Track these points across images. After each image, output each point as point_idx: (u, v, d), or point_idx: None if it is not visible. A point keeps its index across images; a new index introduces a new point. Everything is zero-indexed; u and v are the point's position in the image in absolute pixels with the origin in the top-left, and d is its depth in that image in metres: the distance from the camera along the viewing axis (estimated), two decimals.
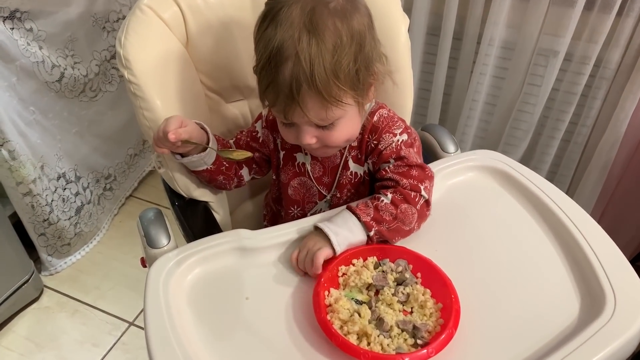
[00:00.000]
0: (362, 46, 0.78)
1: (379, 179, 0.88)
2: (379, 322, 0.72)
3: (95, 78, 1.75)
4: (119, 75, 1.77)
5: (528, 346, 0.70)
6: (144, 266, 0.90)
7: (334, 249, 0.79)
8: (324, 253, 0.78)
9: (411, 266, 0.80)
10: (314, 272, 0.78)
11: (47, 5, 1.51)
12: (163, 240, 0.87)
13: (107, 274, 1.81)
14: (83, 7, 1.64)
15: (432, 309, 0.74)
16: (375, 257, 0.82)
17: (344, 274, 0.80)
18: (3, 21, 1.37)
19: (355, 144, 0.91)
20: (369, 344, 0.70)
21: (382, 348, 0.69)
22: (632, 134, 1.49)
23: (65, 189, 1.73)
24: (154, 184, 2.15)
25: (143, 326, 0.73)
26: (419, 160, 0.88)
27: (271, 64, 0.76)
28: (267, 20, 0.76)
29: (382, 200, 0.83)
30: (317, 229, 0.82)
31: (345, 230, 0.81)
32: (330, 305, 0.75)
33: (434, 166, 0.96)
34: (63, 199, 1.72)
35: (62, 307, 1.71)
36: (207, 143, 0.90)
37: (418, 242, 0.85)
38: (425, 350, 0.68)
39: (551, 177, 1.75)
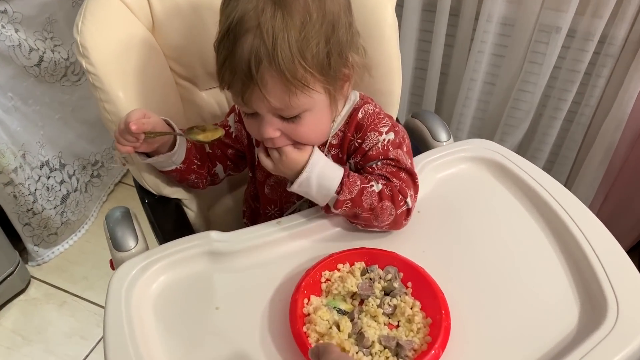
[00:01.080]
0: (335, 28, 0.70)
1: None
2: (359, 336, 0.66)
3: (78, 61, 1.68)
4: None
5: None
6: (113, 269, 0.85)
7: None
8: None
9: (402, 274, 0.74)
10: None
11: None
12: (130, 243, 0.81)
13: (96, 263, 1.76)
14: None
15: (420, 323, 0.68)
16: (363, 263, 0.76)
17: (327, 279, 0.74)
18: None
19: (335, 141, 0.84)
20: None
21: None
22: (638, 114, 1.42)
23: (49, 177, 1.68)
24: None
25: None
26: (409, 163, 0.81)
27: (230, 37, 0.68)
28: None
29: (372, 186, 0.77)
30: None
31: (317, 184, 0.76)
32: (308, 314, 0.69)
33: (423, 157, 0.90)
34: (47, 188, 1.67)
35: (49, 298, 1.68)
36: (174, 140, 0.83)
37: (404, 241, 0.79)
38: None
39: (553, 158, 1.68)
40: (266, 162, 0.78)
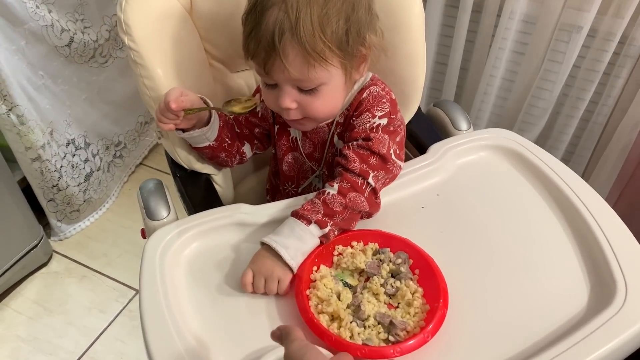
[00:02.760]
0: (355, 8, 0.75)
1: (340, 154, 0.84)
2: (357, 308, 0.70)
3: (106, 44, 1.72)
4: None
5: (527, 337, 0.68)
6: (144, 237, 0.89)
7: (288, 265, 0.73)
8: (286, 280, 0.73)
9: (411, 261, 0.76)
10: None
11: None
12: (162, 212, 0.85)
13: (115, 241, 1.81)
14: None
15: (418, 309, 0.71)
16: (377, 244, 0.79)
17: (339, 253, 0.78)
18: None
19: (342, 120, 0.87)
20: (340, 327, 0.68)
21: (352, 335, 0.67)
22: None
23: (74, 155, 1.72)
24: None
25: None
26: (386, 150, 0.81)
27: (257, 9, 0.74)
28: None
29: (329, 193, 0.78)
30: (265, 245, 0.75)
31: (294, 239, 0.74)
32: (314, 281, 0.74)
33: (444, 143, 0.93)
34: (72, 165, 1.71)
35: (70, 272, 1.72)
36: (209, 117, 0.87)
37: (421, 225, 0.82)
38: (391, 350, 0.65)
39: (568, 157, 1.70)
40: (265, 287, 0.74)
